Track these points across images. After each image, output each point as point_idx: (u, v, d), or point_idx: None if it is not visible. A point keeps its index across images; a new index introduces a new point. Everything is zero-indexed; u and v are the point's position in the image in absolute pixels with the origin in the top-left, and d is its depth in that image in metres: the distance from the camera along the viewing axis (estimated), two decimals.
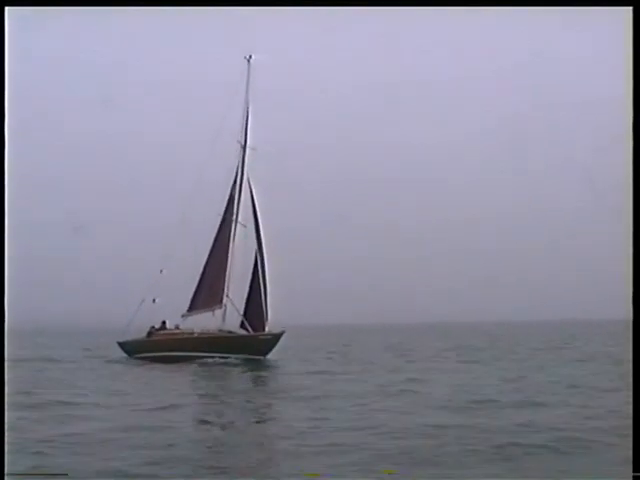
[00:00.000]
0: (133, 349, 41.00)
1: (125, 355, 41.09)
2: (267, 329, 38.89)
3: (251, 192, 40.43)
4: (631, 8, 11.90)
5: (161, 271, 40.19)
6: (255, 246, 39.90)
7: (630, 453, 10.26)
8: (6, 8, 11.94)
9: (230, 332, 39.48)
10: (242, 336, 38.90)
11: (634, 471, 10.11)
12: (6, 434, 10.72)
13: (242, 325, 39.33)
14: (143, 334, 41.04)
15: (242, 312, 39.41)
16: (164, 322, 41.09)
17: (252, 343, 38.20)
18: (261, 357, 37.87)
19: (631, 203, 11.31)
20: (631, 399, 10.64)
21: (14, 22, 12.56)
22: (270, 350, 38.24)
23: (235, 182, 40.95)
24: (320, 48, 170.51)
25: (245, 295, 39.58)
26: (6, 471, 10.11)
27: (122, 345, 41.92)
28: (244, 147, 41.02)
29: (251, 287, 39.43)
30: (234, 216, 40.71)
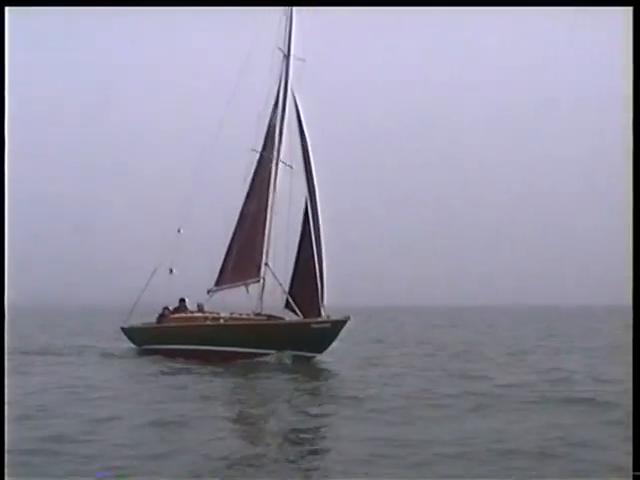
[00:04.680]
0: (140, 338, 30.21)
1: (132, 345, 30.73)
2: (324, 314, 27.13)
3: (299, 119, 28.50)
4: (631, 8, 12.11)
5: (179, 230, 29.27)
6: (305, 196, 28.17)
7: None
8: (6, 8, 12.26)
9: (271, 317, 27.82)
10: (288, 323, 26.94)
11: (634, 470, 9.85)
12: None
13: (287, 306, 27.58)
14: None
15: (287, 289, 27.75)
16: (182, 300, 30.05)
17: (303, 333, 26.17)
18: (315, 354, 26.23)
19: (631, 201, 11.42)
20: (630, 398, 10.68)
21: (14, 22, 13.08)
22: (329, 344, 26.18)
23: (276, 105, 29.06)
24: None
25: (292, 265, 27.80)
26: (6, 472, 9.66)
27: (126, 332, 31.23)
28: (287, 56, 29.11)
29: (299, 253, 27.56)
30: (275, 153, 28.95)
